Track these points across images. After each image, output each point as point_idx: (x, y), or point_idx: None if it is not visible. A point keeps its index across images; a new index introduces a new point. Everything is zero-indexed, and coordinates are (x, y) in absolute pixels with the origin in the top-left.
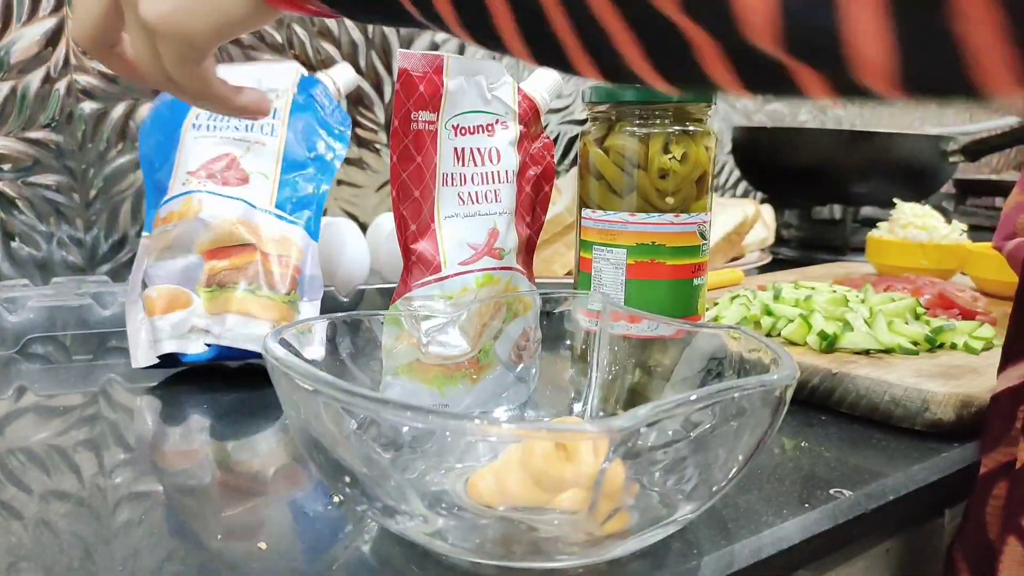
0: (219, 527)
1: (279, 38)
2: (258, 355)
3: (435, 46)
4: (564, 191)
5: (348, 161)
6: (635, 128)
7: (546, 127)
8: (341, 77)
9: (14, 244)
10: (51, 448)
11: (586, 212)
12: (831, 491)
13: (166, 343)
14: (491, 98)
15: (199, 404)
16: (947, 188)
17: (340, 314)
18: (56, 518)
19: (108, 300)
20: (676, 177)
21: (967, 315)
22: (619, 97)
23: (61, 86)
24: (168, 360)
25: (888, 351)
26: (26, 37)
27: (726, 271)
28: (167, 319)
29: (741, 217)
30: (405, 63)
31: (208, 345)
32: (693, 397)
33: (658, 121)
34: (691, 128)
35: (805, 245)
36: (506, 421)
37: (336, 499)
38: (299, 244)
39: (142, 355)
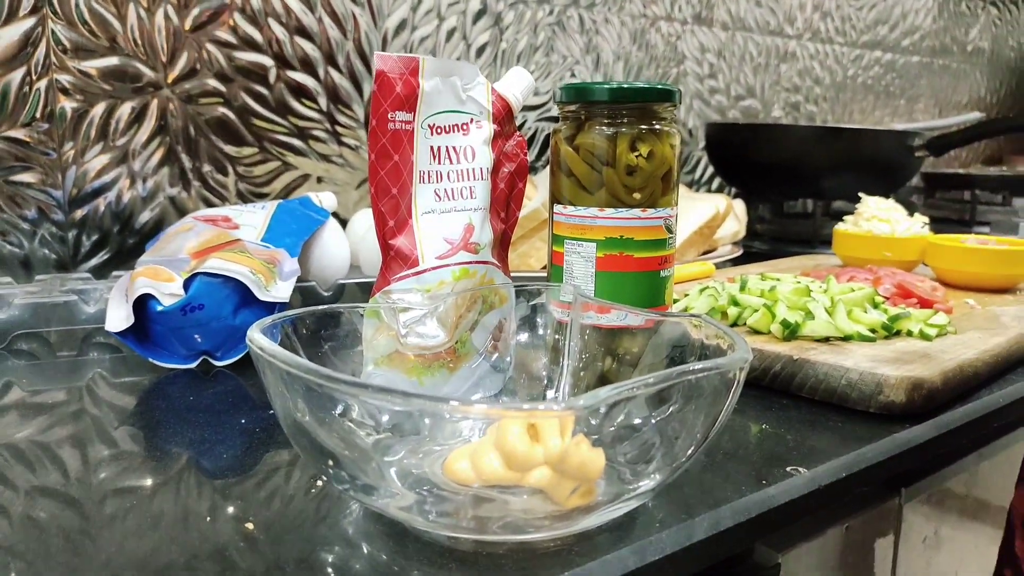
0: (206, 511)
1: (258, 37)
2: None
3: (410, 47)
4: (541, 187)
5: (328, 159)
6: (604, 127)
7: (523, 125)
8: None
9: None
10: (36, 444)
11: (557, 208)
12: (788, 469)
13: (141, 290)
14: (466, 98)
15: (184, 397)
16: (917, 182)
17: (322, 307)
18: (42, 514)
19: (92, 297)
20: (643, 173)
21: (925, 304)
22: (589, 97)
23: (42, 85)
24: (145, 345)
25: (847, 338)
26: (5, 37)
27: (698, 264)
28: (148, 280)
29: (713, 211)
30: (382, 65)
31: (186, 284)
32: (651, 379)
33: (626, 120)
34: (657, 127)
35: (777, 238)
36: (477, 402)
37: (320, 482)
38: (280, 253)
39: (116, 318)
